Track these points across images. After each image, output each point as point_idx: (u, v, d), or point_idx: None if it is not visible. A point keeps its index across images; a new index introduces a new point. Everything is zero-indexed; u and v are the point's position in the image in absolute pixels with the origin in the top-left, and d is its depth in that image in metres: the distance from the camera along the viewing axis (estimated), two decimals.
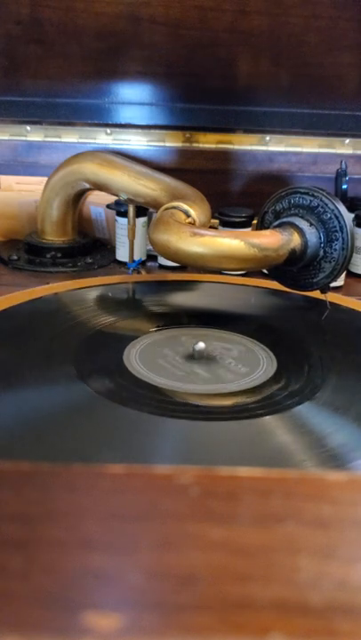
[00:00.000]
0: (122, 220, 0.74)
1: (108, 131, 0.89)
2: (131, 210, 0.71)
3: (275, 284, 0.63)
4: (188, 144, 0.89)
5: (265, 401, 0.44)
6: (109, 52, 0.83)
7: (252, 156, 0.89)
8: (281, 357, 0.50)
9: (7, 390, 0.44)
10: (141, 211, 0.73)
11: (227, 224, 0.75)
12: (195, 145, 0.89)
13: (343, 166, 0.80)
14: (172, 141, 0.89)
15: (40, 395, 0.45)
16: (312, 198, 0.57)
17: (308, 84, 0.85)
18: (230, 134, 0.89)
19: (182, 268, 0.73)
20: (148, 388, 0.45)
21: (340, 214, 0.56)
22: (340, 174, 0.80)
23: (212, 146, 0.89)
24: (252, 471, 0.22)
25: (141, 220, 0.74)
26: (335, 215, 0.56)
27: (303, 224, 0.57)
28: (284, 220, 0.58)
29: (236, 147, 0.89)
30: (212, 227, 0.69)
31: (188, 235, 0.52)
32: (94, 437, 0.40)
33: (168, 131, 0.89)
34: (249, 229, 0.74)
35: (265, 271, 0.68)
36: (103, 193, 0.74)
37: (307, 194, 0.58)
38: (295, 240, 0.56)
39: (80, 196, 0.76)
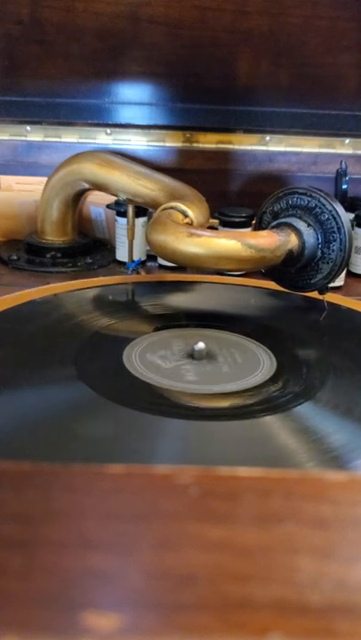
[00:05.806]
0: (122, 220, 0.74)
1: (108, 131, 0.89)
2: (130, 210, 0.71)
3: (274, 285, 0.63)
4: (188, 144, 0.89)
5: (265, 401, 0.44)
6: (109, 51, 0.83)
7: (252, 156, 0.89)
8: (281, 357, 0.50)
9: (7, 390, 0.44)
10: (141, 211, 0.73)
11: (227, 224, 0.75)
12: (195, 145, 0.89)
13: (343, 166, 0.80)
14: (172, 141, 0.89)
15: (40, 395, 0.45)
16: (310, 199, 0.57)
17: (308, 84, 0.85)
18: (230, 134, 0.89)
19: (182, 268, 0.73)
20: (147, 388, 0.45)
21: (338, 215, 0.56)
22: (341, 174, 0.80)
23: (212, 146, 0.89)
24: (252, 471, 0.22)
25: (141, 221, 0.74)
26: (333, 216, 0.56)
27: (301, 225, 0.57)
28: (282, 220, 0.58)
29: (236, 147, 0.89)
30: (211, 227, 0.69)
31: (184, 235, 0.52)
32: (94, 437, 0.40)
33: (168, 131, 0.89)
34: (249, 229, 0.74)
35: (263, 271, 0.68)
36: (103, 193, 0.74)
37: (305, 194, 0.58)
38: (292, 241, 0.56)
39: (80, 196, 0.76)
